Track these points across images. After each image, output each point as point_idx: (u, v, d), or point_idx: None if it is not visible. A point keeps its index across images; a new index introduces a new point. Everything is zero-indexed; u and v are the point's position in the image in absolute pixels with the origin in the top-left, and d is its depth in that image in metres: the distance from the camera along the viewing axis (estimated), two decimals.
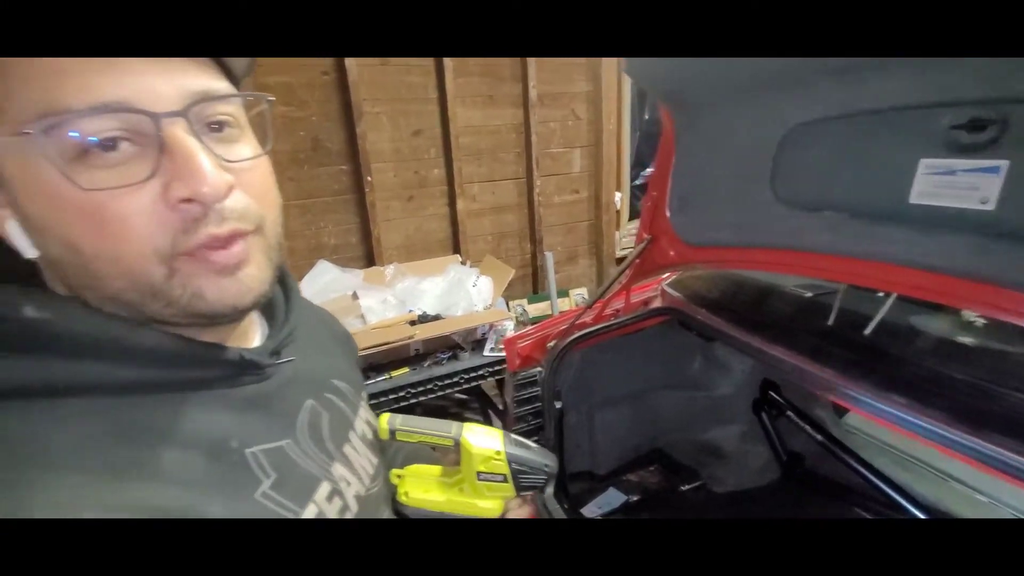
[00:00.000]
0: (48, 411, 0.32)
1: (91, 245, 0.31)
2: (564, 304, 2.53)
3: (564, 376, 1.16)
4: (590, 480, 1.29)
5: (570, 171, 2.52)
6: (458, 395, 2.39)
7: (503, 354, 1.80)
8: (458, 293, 1.95)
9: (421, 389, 1.70)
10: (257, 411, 0.41)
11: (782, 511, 1.18)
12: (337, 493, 0.43)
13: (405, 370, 1.73)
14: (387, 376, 1.69)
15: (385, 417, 0.54)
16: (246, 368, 0.40)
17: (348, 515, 0.44)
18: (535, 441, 0.58)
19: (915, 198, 0.66)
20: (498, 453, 0.53)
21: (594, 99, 2.43)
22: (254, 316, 0.46)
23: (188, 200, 0.32)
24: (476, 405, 2.37)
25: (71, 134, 0.30)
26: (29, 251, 0.33)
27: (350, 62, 1.92)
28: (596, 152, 2.51)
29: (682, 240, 1.07)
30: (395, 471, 0.56)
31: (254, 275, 0.36)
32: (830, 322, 0.95)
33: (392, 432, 0.53)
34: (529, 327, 1.18)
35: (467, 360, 1.79)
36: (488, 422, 2.22)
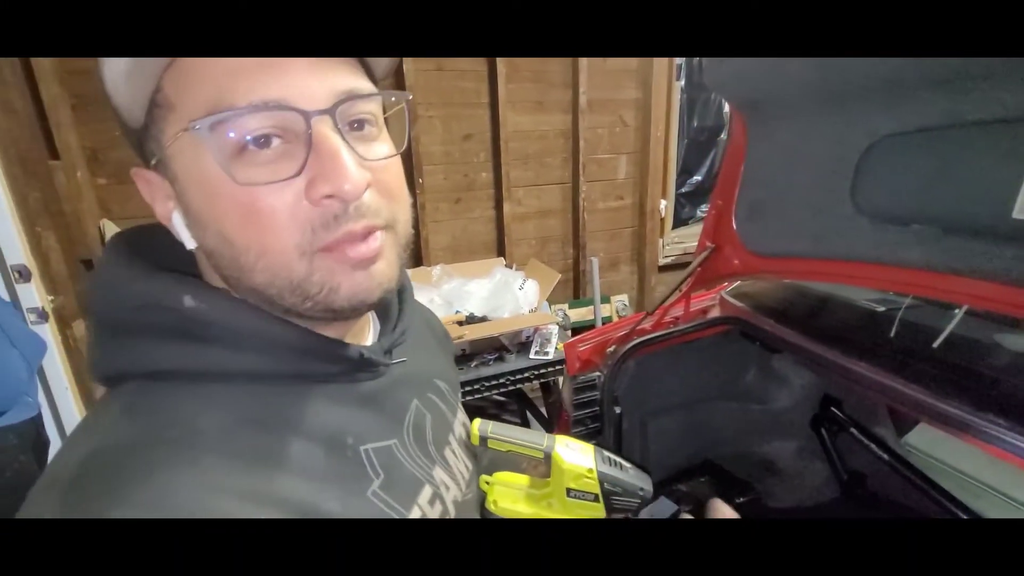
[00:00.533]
0: (195, 395, 0.34)
1: (242, 238, 0.33)
2: (605, 310, 2.52)
3: (620, 381, 1.16)
4: None
5: (616, 177, 2.52)
6: (496, 396, 2.41)
7: (549, 357, 1.81)
8: (504, 295, 1.97)
9: (468, 389, 1.72)
10: (370, 409, 0.41)
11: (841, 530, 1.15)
12: (438, 497, 0.43)
13: None
14: None
15: (477, 423, 0.53)
16: (365, 366, 0.41)
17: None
18: (624, 459, 0.56)
19: (1019, 213, 0.64)
20: (590, 471, 0.50)
21: (643, 106, 2.43)
22: (368, 314, 0.47)
23: (330, 196, 0.33)
24: (515, 407, 2.39)
25: (229, 134, 0.31)
26: (189, 242, 0.36)
27: (407, 67, 1.97)
28: (642, 159, 2.50)
29: (748, 249, 1.06)
30: (484, 477, 0.55)
31: (384, 271, 0.37)
32: (905, 337, 0.93)
33: (484, 439, 0.51)
34: (588, 332, 1.18)
35: (513, 362, 1.81)
36: (526, 424, 2.23)
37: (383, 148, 0.38)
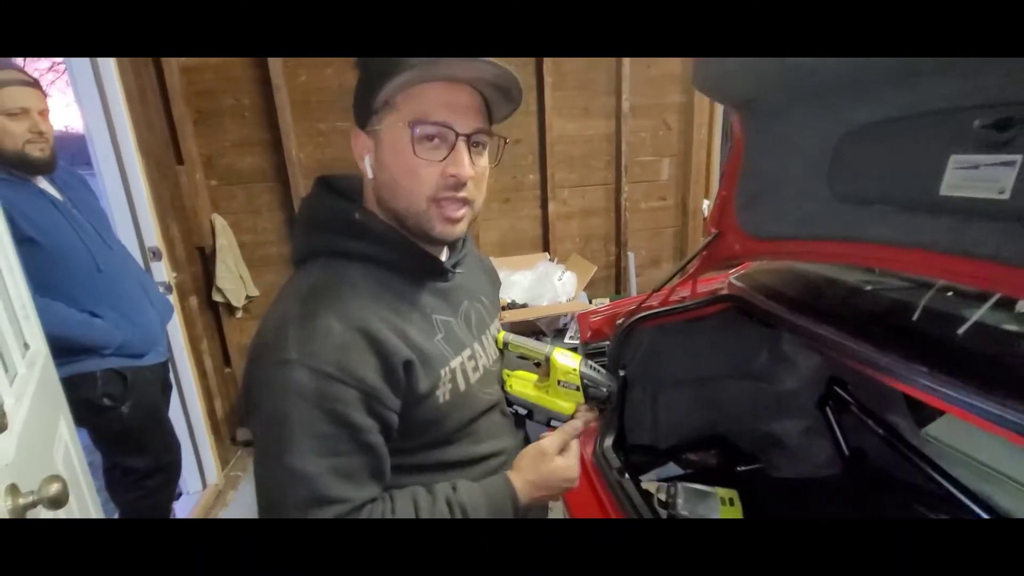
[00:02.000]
0: (355, 267, 0.62)
1: (405, 181, 0.60)
2: None
3: (630, 352, 1.30)
4: (652, 453, 1.40)
5: (658, 179, 2.62)
6: None
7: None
8: (544, 285, 2.15)
9: None
10: (441, 297, 0.69)
11: (841, 503, 1.22)
12: (473, 357, 0.70)
13: None
14: None
15: (501, 333, 0.79)
16: (440, 270, 0.68)
17: (477, 375, 0.69)
18: (601, 366, 0.76)
19: (944, 190, 0.74)
20: (574, 370, 0.74)
21: (686, 109, 2.52)
22: (446, 245, 0.74)
23: (453, 176, 0.59)
24: None
25: (416, 130, 0.58)
26: (369, 173, 0.63)
27: None
28: (685, 160, 2.59)
29: (746, 234, 1.17)
30: (505, 370, 0.79)
31: (460, 228, 0.64)
32: (899, 316, 0.99)
33: (506, 344, 0.77)
34: (601, 306, 1.33)
35: None
36: None
37: (484, 161, 0.64)
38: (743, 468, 1.34)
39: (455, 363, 0.65)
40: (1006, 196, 0.66)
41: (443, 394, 0.62)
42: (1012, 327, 0.87)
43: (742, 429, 1.41)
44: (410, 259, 0.64)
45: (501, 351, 0.79)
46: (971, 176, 0.70)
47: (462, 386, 0.65)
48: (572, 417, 0.73)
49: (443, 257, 0.71)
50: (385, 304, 0.60)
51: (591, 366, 0.76)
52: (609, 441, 1.16)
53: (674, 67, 2.47)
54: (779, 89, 0.96)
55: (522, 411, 0.77)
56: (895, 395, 1.32)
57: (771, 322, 1.15)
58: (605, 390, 0.75)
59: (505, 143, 0.68)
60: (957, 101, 0.73)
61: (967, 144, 0.71)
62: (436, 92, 0.58)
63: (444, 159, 0.58)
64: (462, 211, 0.62)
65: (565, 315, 2.05)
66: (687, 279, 1.29)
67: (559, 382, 0.73)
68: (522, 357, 0.78)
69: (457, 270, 0.71)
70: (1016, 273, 0.67)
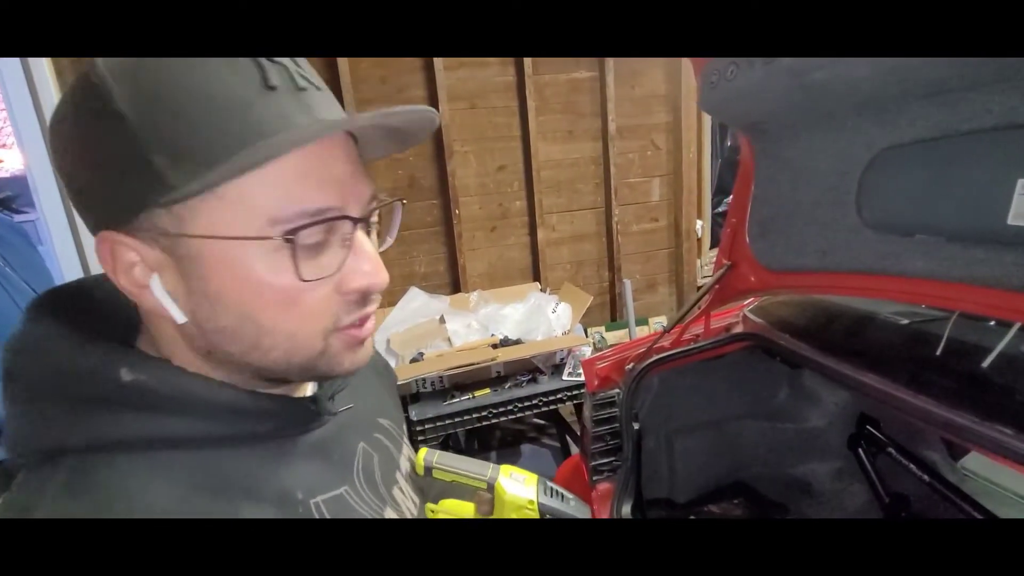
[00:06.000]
0: (140, 466, 0.34)
1: (274, 322, 0.35)
2: (643, 332, 2.52)
3: (642, 399, 1.18)
4: (669, 508, 1.27)
5: (649, 200, 2.54)
6: (536, 420, 2.44)
7: (581, 378, 1.84)
8: (538, 318, 2.03)
9: (502, 409, 1.77)
10: (319, 458, 0.43)
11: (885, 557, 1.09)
12: None
13: (487, 391, 1.81)
14: (470, 396, 1.79)
15: (423, 453, 0.54)
16: (311, 417, 0.43)
17: None
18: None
19: (1013, 219, 0.63)
20: (531, 503, 0.53)
21: (673, 129, 2.46)
22: None
23: (361, 290, 0.37)
24: (553, 431, 2.40)
25: (308, 236, 0.34)
26: (180, 316, 0.35)
27: (443, 106, 2.12)
28: (676, 181, 2.52)
29: (763, 266, 1.07)
30: (430, 506, 0.56)
31: (370, 344, 0.42)
32: (936, 352, 0.90)
33: (428, 470, 0.53)
34: (607, 350, 1.22)
35: (546, 383, 1.85)
36: (565, 447, 2.24)
37: (378, 242, 0.42)
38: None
39: None
40: None
41: None
42: None
43: (766, 474, 1.29)
44: (257, 420, 0.39)
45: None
46: None
47: None
48: None
49: (308, 389, 0.46)
50: (212, 517, 0.35)
51: (554, 491, 0.56)
52: (627, 507, 1.03)
53: (658, 86, 2.41)
54: (794, 110, 0.87)
55: None
56: (931, 429, 1.22)
57: (798, 363, 1.04)
58: None
59: (403, 205, 0.44)
60: (1017, 117, 0.63)
61: None
62: (306, 158, 0.34)
63: (340, 268, 0.36)
64: (370, 325, 0.40)
65: (562, 349, 1.93)
66: (700, 315, 1.18)
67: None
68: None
69: (335, 403, 0.45)
70: None
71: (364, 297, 0.38)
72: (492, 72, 2.20)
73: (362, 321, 0.39)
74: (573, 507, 0.56)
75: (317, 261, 0.35)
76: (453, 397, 1.78)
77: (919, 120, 0.74)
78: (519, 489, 0.54)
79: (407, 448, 0.57)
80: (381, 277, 0.38)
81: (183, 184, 0.31)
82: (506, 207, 2.35)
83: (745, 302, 1.25)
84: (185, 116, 0.31)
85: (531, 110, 2.23)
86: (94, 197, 0.34)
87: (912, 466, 1.07)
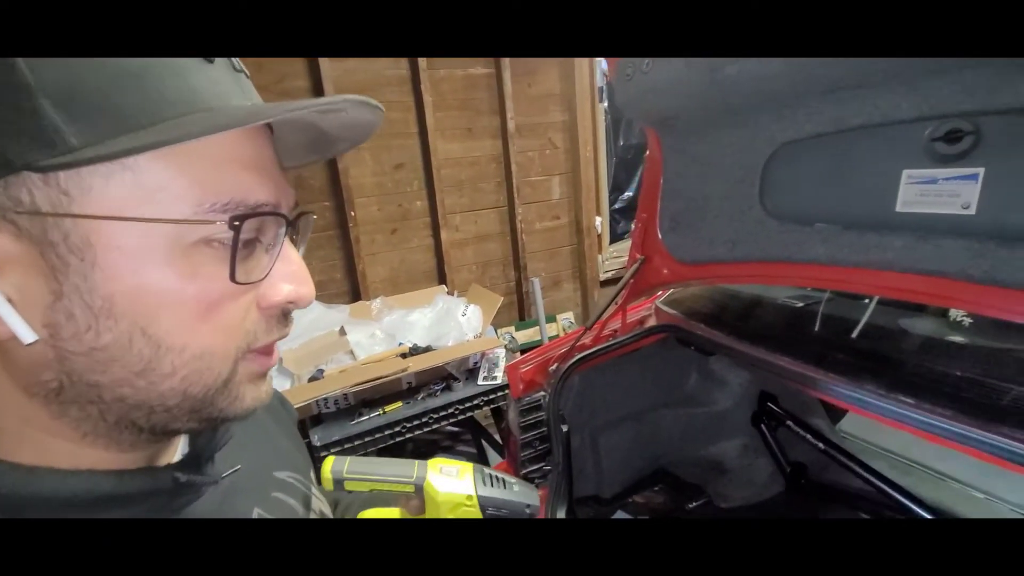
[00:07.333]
0: None
1: (181, 336, 0.28)
2: (552, 329, 2.54)
3: (566, 399, 1.15)
4: (597, 504, 1.27)
5: (550, 198, 2.57)
6: (449, 427, 2.35)
7: (498, 382, 1.79)
8: (448, 323, 1.94)
9: (417, 423, 1.66)
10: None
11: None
12: None
13: (398, 404, 1.69)
14: (380, 412, 1.65)
15: (329, 463, 0.45)
16: (180, 491, 0.33)
17: None
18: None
19: (901, 207, 0.69)
20: (469, 498, 0.47)
21: (570, 128, 2.51)
22: None
23: (293, 301, 0.32)
24: (468, 437, 2.33)
25: (247, 228, 0.28)
26: (28, 334, 0.25)
27: None
28: (575, 179, 2.58)
29: (675, 258, 1.09)
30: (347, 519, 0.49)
31: (271, 381, 0.35)
32: (825, 330, 0.98)
33: (339, 482, 0.45)
34: (529, 352, 1.18)
35: (461, 391, 1.77)
36: (482, 453, 2.18)
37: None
38: (692, 505, 1.26)
39: None
40: (971, 212, 0.62)
41: None
42: (957, 337, 0.88)
43: (682, 458, 1.34)
44: (120, 510, 0.30)
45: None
46: (928, 191, 0.66)
47: None
48: None
49: (176, 453, 0.37)
50: None
51: (494, 479, 0.49)
52: (562, 511, 0.99)
53: (553, 85, 2.44)
54: (705, 105, 0.89)
55: None
56: (814, 400, 1.35)
57: (712, 350, 1.09)
58: (527, 516, 0.49)
59: (313, 219, 0.39)
60: (900, 114, 0.69)
61: (919, 158, 0.67)
62: (243, 144, 0.29)
63: (265, 275, 0.31)
64: (277, 354, 0.35)
65: (476, 353, 1.86)
66: (617, 311, 1.19)
67: None
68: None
69: (216, 465, 0.36)
70: (985, 291, 0.63)
71: (285, 314, 0.33)
72: (383, 64, 2.06)
73: (270, 348, 0.33)
74: (518, 492, 0.50)
75: (245, 264, 0.30)
76: (361, 415, 1.63)
77: (815, 115, 0.78)
78: (453, 485, 0.47)
79: (317, 496, 0.49)
80: (309, 288, 0.32)
81: (87, 145, 0.24)
82: (406, 208, 2.23)
83: (656, 294, 1.29)
84: (105, 65, 0.25)
85: (428, 105, 2.13)
86: None
87: (808, 436, 1.17)
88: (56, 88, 0.23)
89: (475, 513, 0.47)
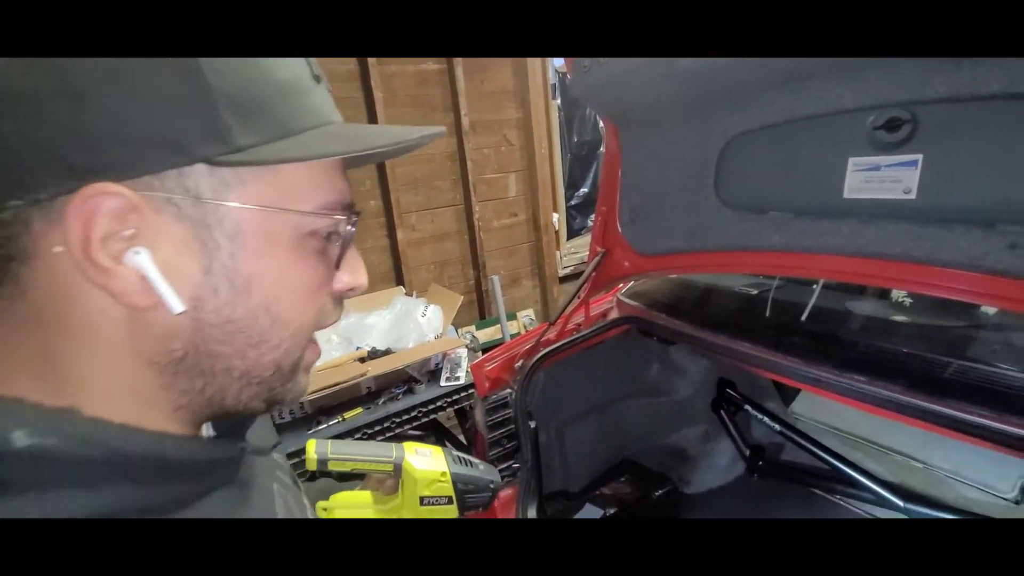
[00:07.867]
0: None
1: (291, 315, 0.33)
2: (513, 327, 2.53)
3: (532, 395, 1.15)
4: (565, 499, 1.27)
5: (507, 195, 2.56)
6: (412, 431, 2.30)
7: (461, 383, 1.76)
8: (407, 325, 1.89)
9: (378, 428, 1.61)
10: (237, 505, 0.35)
11: (752, 503, 1.23)
12: None
13: (359, 410, 1.63)
14: (339, 419, 1.59)
15: (312, 445, 0.50)
16: (242, 458, 0.37)
17: None
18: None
19: (848, 193, 0.72)
20: (443, 475, 0.53)
21: (524, 125, 2.50)
22: None
23: (353, 287, 0.36)
24: (432, 440, 2.29)
25: (321, 223, 0.33)
26: (177, 305, 0.28)
27: None
28: (531, 176, 2.58)
29: (635, 251, 1.11)
30: (321, 504, 0.51)
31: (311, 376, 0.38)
32: (779, 314, 1.02)
33: (323, 462, 0.49)
34: (494, 350, 1.16)
35: (423, 393, 1.73)
36: None
37: None
38: (658, 493, 1.29)
39: None
40: (912, 196, 0.66)
41: None
42: (900, 317, 0.93)
43: (647, 448, 1.37)
44: (202, 475, 0.33)
45: (314, 475, 0.52)
46: (872, 178, 0.70)
47: None
48: None
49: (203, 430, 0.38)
50: None
51: (462, 459, 0.55)
52: (532, 510, 0.98)
53: (506, 82, 2.43)
54: (662, 97, 0.90)
55: None
56: (766, 382, 1.40)
57: (673, 340, 1.11)
58: (489, 491, 0.55)
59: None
60: (844, 104, 0.72)
61: (863, 147, 0.70)
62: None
63: (338, 264, 0.35)
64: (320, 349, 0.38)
65: (438, 355, 1.82)
66: (580, 304, 1.19)
67: (422, 499, 0.51)
68: (352, 475, 0.52)
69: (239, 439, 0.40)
70: (926, 271, 0.67)
71: (341, 300, 0.37)
72: (330, 58, 1.99)
73: (315, 341, 0.37)
74: (483, 471, 0.56)
75: (319, 255, 0.34)
76: (319, 423, 1.57)
77: (766, 106, 0.81)
78: (429, 463, 0.53)
79: (302, 485, 0.52)
80: (366, 276, 0.37)
81: (251, 146, 0.28)
82: (360, 207, 2.15)
83: (618, 287, 1.30)
84: (262, 79, 0.29)
85: (378, 102, 2.07)
86: (107, 133, 0.25)
87: (765, 419, 1.22)
88: (229, 92, 0.27)
89: (448, 488, 0.52)
